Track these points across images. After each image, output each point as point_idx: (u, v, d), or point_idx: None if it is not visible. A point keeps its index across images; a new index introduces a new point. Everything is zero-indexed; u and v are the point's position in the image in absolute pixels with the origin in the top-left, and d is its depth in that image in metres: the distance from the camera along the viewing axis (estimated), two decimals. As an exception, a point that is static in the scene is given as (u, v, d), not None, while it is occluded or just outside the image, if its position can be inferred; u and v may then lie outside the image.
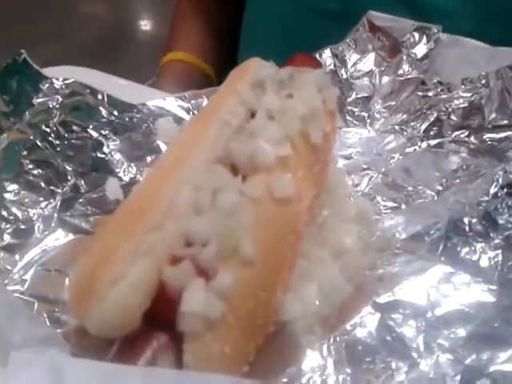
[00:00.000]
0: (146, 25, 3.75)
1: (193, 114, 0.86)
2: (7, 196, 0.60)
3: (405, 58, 0.90)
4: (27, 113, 0.68)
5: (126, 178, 0.72)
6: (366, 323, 0.56)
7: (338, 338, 0.55)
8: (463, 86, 0.85)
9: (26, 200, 0.61)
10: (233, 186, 0.54)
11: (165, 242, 0.48)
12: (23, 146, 0.65)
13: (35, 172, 0.64)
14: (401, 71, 0.90)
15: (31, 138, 0.67)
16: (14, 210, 0.60)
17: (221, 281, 0.48)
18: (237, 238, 0.51)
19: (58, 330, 0.49)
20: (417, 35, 0.89)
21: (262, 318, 0.52)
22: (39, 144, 0.67)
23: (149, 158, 0.76)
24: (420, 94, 0.88)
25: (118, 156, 0.74)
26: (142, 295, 0.46)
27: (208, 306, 0.46)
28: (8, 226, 0.58)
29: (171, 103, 0.86)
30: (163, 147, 0.78)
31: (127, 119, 0.80)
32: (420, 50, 0.89)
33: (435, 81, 0.88)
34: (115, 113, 0.79)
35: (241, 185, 0.54)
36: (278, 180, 0.57)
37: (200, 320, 0.46)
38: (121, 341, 0.46)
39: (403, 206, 0.74)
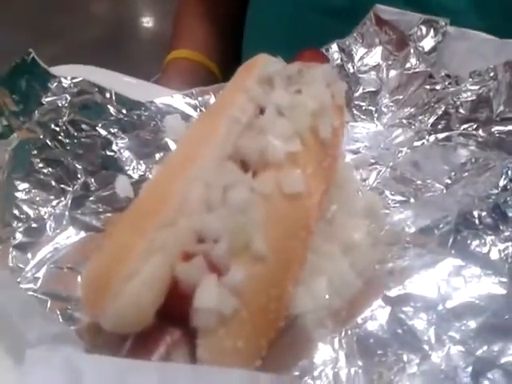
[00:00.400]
0: (147, 22, 3.76)
1: (200, 110, 0.87)
2: (18, 195, 0.61)
3: (412, 51, 0.90)
4: (36, 112, 0.69)
5: (136, 176, 0.72)
6: (376, 316, 0.57)
7: (349, 332, 0.55)
8: (471, 79, 0.85)
9: (37, 198, 0.62)
10: (243, 183, 0.54)
11: (177, 239, 0.49)
12: (33, 145, 0.66)
13: (45, 171, 0.65)
14: (408, 65, 0.90)
15: (41, 137, 0.67)
16: (26, 208, 0.60)
17: (233, 277, 0.48)
18: (248, 234, 0.51)
19: (72, 327, 0.49)
20: (424, 28, 0.89)
21: (274, 312, 0.52)
22: (49, 143, 0.67)
23: (157, 156, 0.76)
24: (428, 87, 0.88)
25: (126, 154, 0.74)
26: (156, 292, 0.47)
27: (221, 301, 0.47)
28: (20, 224, 0.59)
29: (178, 100, 0.86)
30: (171, 144, 0.78)
31: (135, 117, 0.81)
32: (427, 43, 0.88)
33: (443, 74, 0.87)
34: (123, 111, 0.80)
35: (251, 181, 0.55)
36: (288, 176, 0.57)
37: (213, 315, 0.46)
38: (134, 337, 0.47)
39: (412, 200, 0.74)
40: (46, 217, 0.60)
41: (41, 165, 0.65)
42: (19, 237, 0.57)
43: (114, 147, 0.74)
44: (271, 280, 0.53)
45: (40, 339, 0.47)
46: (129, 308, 0.45)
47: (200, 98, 0.88)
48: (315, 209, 0.59)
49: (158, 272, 0.47)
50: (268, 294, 0.52)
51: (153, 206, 0.50)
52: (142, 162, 0.74)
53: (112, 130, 0.76)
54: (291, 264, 0.55)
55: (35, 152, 0.65)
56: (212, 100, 0.88)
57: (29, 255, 0.57)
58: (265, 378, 0.39)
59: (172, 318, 0.47)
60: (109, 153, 0.73)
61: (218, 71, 1.29)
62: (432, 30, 0.88)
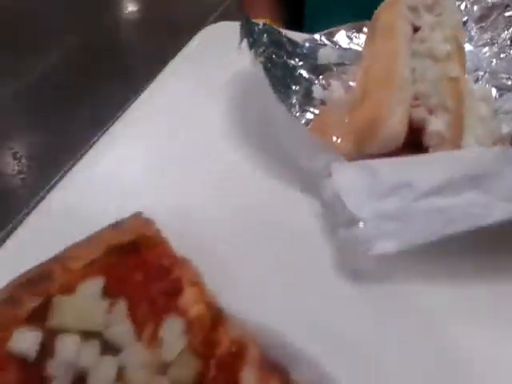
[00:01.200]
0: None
1: (337, 45, 1.17)
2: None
3: (491, -10, 1.20)
4: (255, 45, 0.99)
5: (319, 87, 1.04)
6: None
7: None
8: (542, 4, 1.16)
9: (282, 98, 0.93)
10: (430, 67, 0.86)
11: (407, 98, 0.81)
12: (263, 66, 0.96)
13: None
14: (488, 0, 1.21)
15: (264, 61, 0.98)
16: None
17: (442, 117, 0.80)
18: (441, 96, 0.83)
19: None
20: None
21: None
22: (269, 65, 0.98)
23: (325, 73, 1.07)
24: (505, 14, 1.19)
25: (307, 74, 1.05)
26: (403, 127, 0.79)
27: (441, 129, 0.79)
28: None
29: (322, 38, 1.17)
30: (329, 68, 1.09)
31: (299, 50, 1.11)
32: (503, -17, 1.19)
33: (517, 3, 1.18)
34: (292, 46, 1.10)
35: (434, 67, 0.86)
36: (450, 66, 0.88)
37: (437, 137, 0.78)
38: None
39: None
40: (289, 107, 0.92)
41: (270, 80, 0.95)
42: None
43: (299, 70, 1.05)
44: (453, 128, 0.84)
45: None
46: (390, 136, 0.78)
47: (335, 36, 1.18)
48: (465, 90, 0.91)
49: (403, 116, 0.79)
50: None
51: (385, 82, 0.83)
52: (317, 76, 1.06)
53: (293, 58, 1.07)
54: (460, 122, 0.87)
55: (265, 71, 0.96)
56: (343, 36, 1.18)
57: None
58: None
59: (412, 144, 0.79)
60: (298, 74, 1.04)
61: None
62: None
